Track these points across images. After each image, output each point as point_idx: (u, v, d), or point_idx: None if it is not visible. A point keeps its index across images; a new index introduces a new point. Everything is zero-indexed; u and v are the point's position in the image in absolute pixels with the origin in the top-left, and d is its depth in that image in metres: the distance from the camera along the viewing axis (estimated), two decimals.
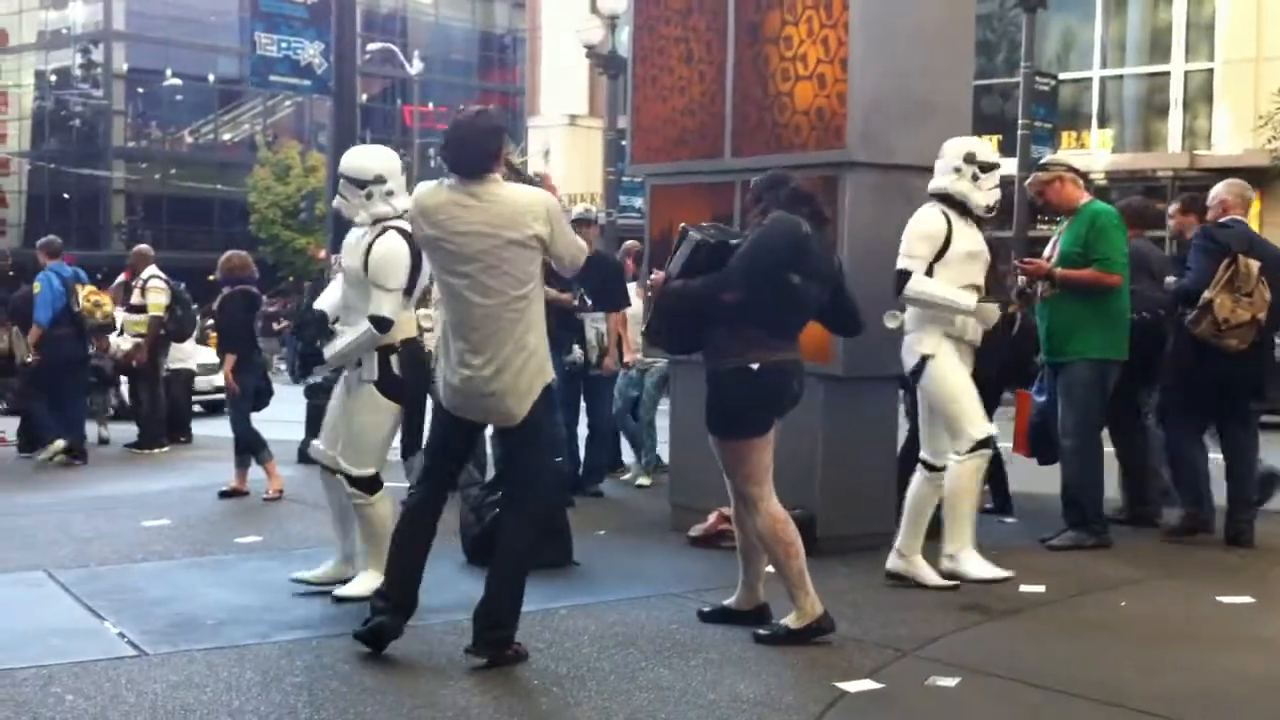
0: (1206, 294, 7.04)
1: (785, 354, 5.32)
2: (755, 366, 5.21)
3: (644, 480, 9.59)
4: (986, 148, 6.38)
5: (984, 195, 6.19)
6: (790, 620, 5.26)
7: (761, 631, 5.31)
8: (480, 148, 4.88)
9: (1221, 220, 7.44)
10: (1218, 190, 7.56)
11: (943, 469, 6.16)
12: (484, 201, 4.83)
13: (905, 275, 6.08)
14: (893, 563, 6.27)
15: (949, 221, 6.13)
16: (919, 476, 6.28)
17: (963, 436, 6.10)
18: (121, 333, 12.35)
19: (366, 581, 5.73)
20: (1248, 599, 6.06)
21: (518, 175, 5.40)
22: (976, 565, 6.22)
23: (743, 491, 5.32)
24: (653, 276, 5.64)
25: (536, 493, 5.09)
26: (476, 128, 4.92)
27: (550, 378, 5.03)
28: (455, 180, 4.91)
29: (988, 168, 6.20)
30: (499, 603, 4.93)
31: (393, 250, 5.63)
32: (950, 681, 4.75)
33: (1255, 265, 7.10)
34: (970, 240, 6.17)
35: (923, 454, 6.32)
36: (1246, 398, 7.47)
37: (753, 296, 5.18)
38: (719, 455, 5.37)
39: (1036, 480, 8.44)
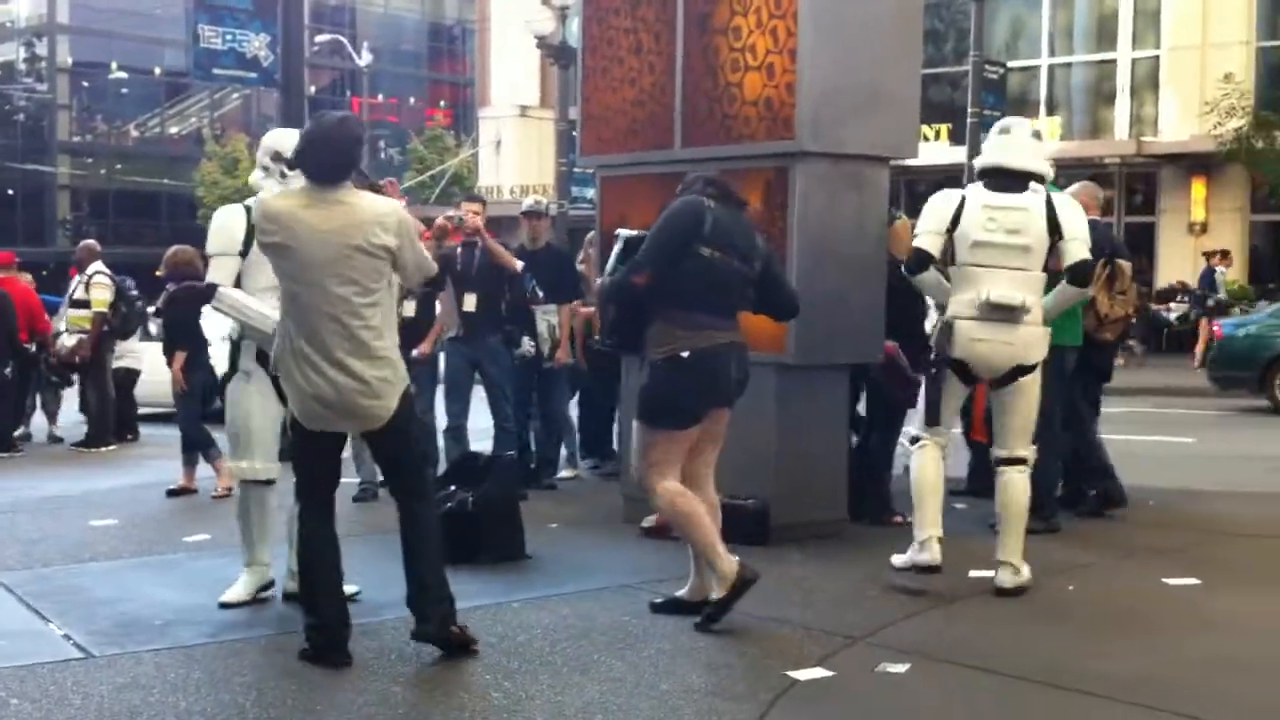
0: (1089, 291, 7.18)
1: (719, 338, 5.28)
2: (686, 354, 5.22)
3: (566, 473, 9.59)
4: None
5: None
6: (714, 594, 5.28)
7: (698, 620, 5.31)
8: (341, 155, 4.83)
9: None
10: (1074, 192, 7.63)
11: None
12: (335, 208, 4.78)
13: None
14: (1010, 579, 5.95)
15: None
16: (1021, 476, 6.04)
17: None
18: (65, 329, 12.21)
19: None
20: (1194, 581, 6.13)
21: (366, 181, 5.36)
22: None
23: (643, 477, 5.37)
24: (596, 283, 5.67)
25: (427, 479, 5.17)
26: (339, 135, 4.86)
27: (407, 382, 4.99)
28: (307, 185, 4.86)
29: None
30: (431, 582, 4.93)
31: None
32: (900, 668, 4.78)
33: (1128, 266, 7.67)
34: None
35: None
36: (1100, 384, 8.11)
37: (667, 276, 5.22)
38: (635, 435, 5.40)
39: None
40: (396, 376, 4.92)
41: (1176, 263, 25.71)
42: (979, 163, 6.14)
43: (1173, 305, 24.80)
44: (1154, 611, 5.67)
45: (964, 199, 5.94)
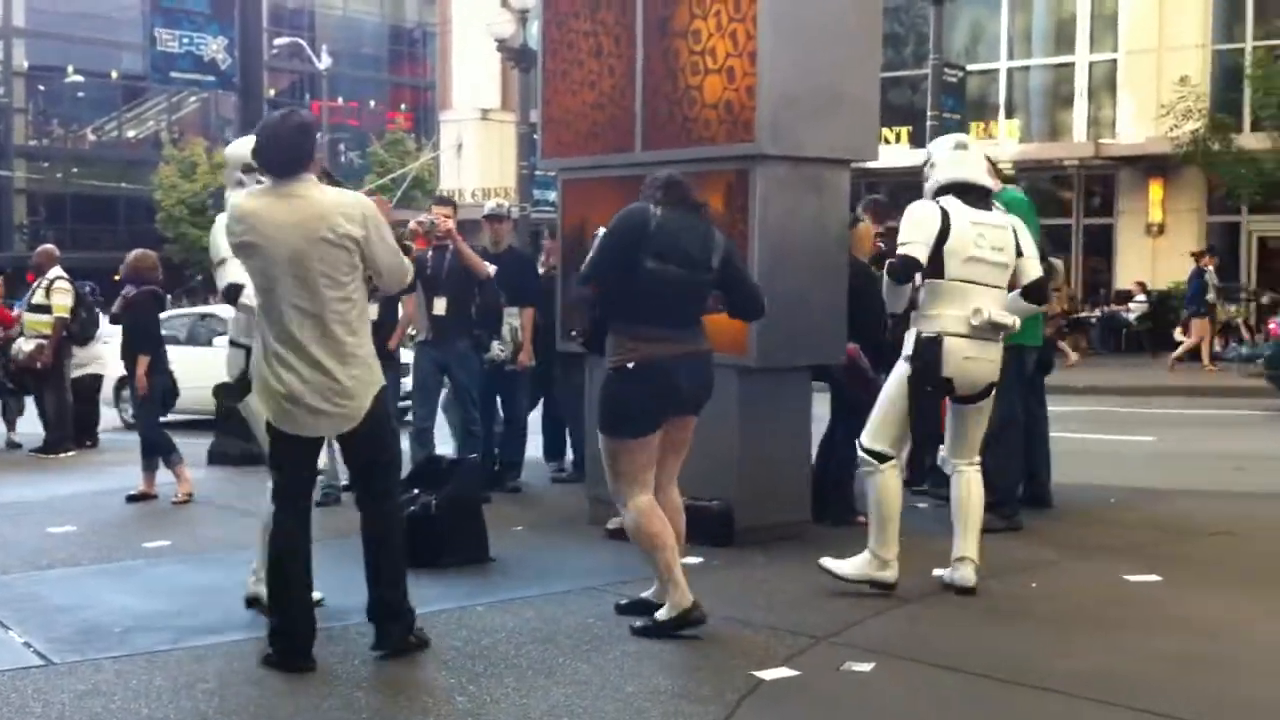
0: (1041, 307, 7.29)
1: (670, 348, 5.21)
2: (630, 365, 5.18)
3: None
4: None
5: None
6: (661, 613, 5.26)
7: (636, 624, 5.31)
8: (290, 145, 4.82)
9: None
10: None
11: None
12: (297, 202, 4.76)
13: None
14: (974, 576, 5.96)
15: None
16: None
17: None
18: (22, 334, 12.10)
19: None
20: (1155, 578, 6.19)
21: (331, 180, 5.32)
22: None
23: (614, 489, 5.33)
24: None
25: (394, 482, 5.12)
26: (286, 125, 4.87)
27: (382, 383, 4.97)
28: (269, 182, 4.87)
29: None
30: (390, 597, 4.94)
31: None
32: (865, 666, 4.80)
33: (1060, 264, 7.82)
34: None
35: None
36: (1043, 375, 8.14)
37: (613, 287, 5.22)
38: (601, 449, 5.37)
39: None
40: (370, 376, 4.89)
41: (1135, 263, 25.97)
42: (944, 177, 5.96)
43: (1131, 305, 25.06)
44: (1116, 609, 5.72)
45: (946, 212, 5.81)
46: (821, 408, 7.73)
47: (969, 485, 6.00)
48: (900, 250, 5.80)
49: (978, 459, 6.05)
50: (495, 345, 8.85)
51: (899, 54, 27.80)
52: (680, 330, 5.27)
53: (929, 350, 5.76)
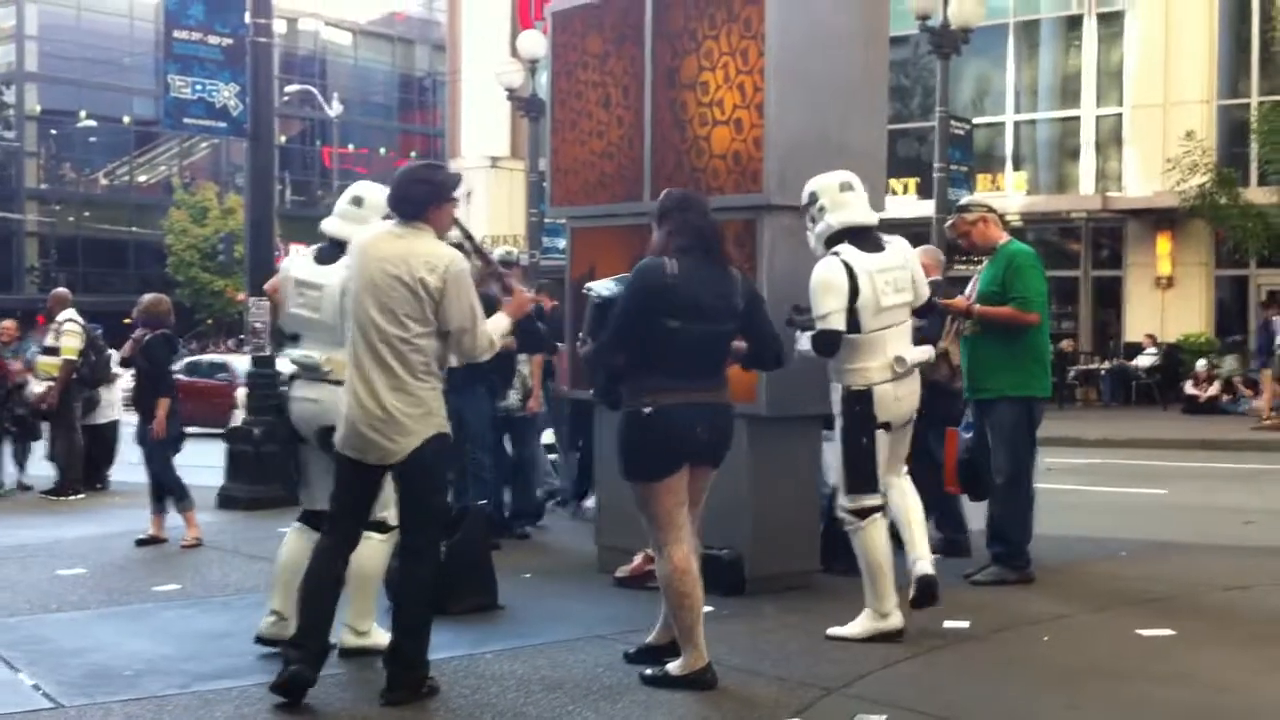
0: (941, 344, 7.55)
1: (686, 395, 5.18)
2: (647, 411, 5.16)
3: None
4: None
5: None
6: (674, 666, 5.23)
7: (647, 672, 5.30)
8: (405, 191, 5.11)
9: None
10: (918, 254, 7.72)
11: None
12: (397, 242, 5.00)
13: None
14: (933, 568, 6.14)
15: None
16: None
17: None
18: (33, 376, 12.15)
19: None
20: (1168, 632, 6.15)
21: (471, 243, 5.41)
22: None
23: (651, 534, 5.31)
24: (579, 345, 5.65)
25: (430, 536, 5.11)
26: (409, 176, 5.19)
27: (444, 429, 5.01)
28: (395, 221, 5.12)
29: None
30: (410, 644, 4.96)
31: None
32: (877, 719, 4.77)
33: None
34: None
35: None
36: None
37: (635, 349, 5.21)
38: (634, 496, 5.37)
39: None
40: (423, 418, 4.93)
41: (1143, 316, 25.98)
42: (836, 222, 5.98)
43: (1141, 357, 25.05)
44: (1128, 662, 5.68)
45: (851, 269, 5.86)
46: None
47: (904, 493, 6.13)
48: (820, 325, 5.87)
49: (905, 468, 6.20)
50: (511, 394, 8.90)
51: (906, 106, 27.97)
52: (700, 381, 5.25)
53: (861, 402, 5.93)
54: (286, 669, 4.92)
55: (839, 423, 6.03)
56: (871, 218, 6.09)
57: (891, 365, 5.91)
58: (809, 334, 5.98)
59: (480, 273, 5.41)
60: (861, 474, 5.99)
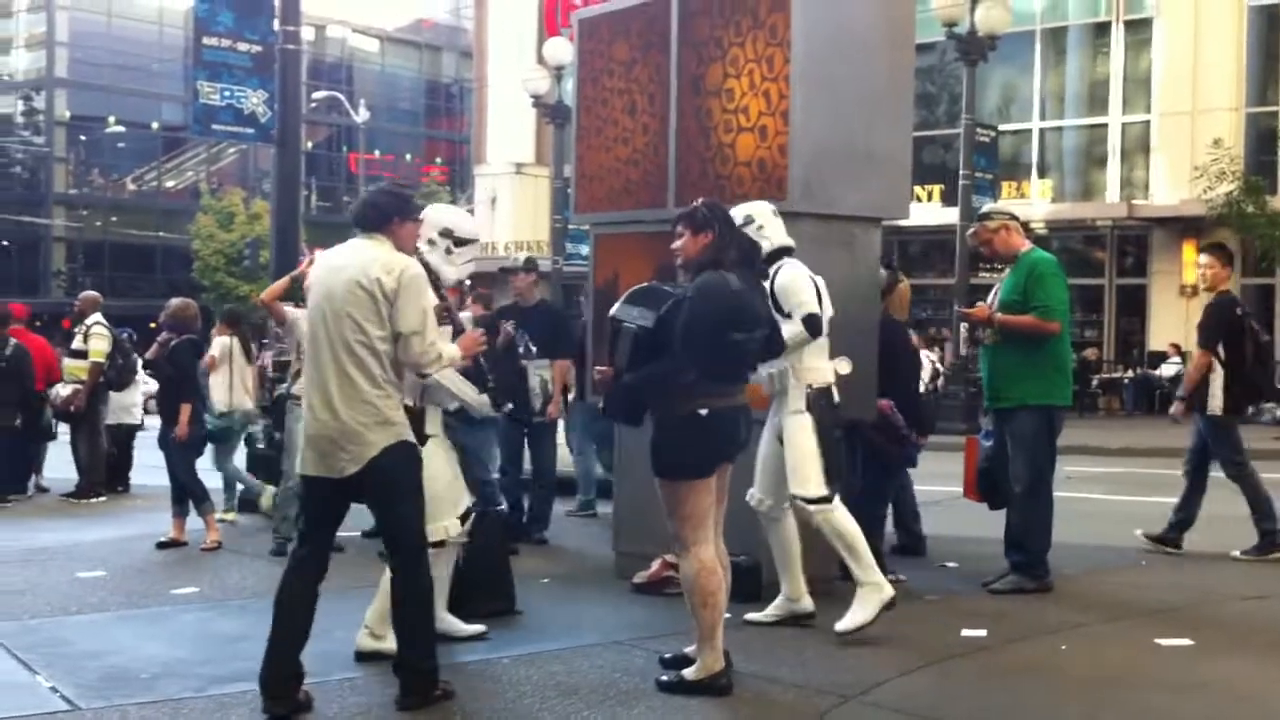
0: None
1: (732, 400, 5.36)
2: (704, 412, 5.23)
3: None
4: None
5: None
6: (690, 671, 5.24)
7: (662, 678, 5.30)
8: (373, 203, 5.15)
9: None
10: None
11: None
12: (359, 252, 5.02)
13: None
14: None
15: None
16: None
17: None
18: (62, 378, 12.23)
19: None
20: (1186, 641, 6.11)
21: (433, 277, 5.47)
22: None
23: (679, 534, 5.30)
24: (598, 373, 5.66)
25: (410, 540, 5.04)
26: (378, 189, 5.33)
27: (404, 437, 4.97)
28: (357, 236, 5.15)
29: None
30: (414, 653, 4.95)
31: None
32: None
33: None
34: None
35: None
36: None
37: (702, 362, 5.22)
38: (662, 497, 5.36)
39: (978, 525, 8.51)
40: (380, 428, 4.88)
41: (1169, 325, 25.84)
42: (779, 242, 6.31)
43: (1165, 366, 24.91)
44: (1146, 672, 5.65)
45: (811, 277, 6.27)
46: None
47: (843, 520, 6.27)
48: (805, 310, 6.18)
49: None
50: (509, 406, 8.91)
51: (932, 114, 27.90)
52: (739, 384, 5.43)
53: (826, 398, 6.23)
54: (269, 705, 4.84)
55: (801, 420, 6.19)
56: (789, 241, 6.38)
57: (836, 369, 6.31)
58: (798, 318, 6.16)
59: (436, 310, 5.36)
60: (834, 464, 6.20)
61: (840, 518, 6.16)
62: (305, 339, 5.12)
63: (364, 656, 5.61)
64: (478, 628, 6.10)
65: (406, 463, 5.00)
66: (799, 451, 6.18)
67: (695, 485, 5.28)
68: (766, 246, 6.25)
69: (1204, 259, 8.91)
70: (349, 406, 4.85)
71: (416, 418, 5.57)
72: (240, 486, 10.44)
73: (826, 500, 6.14)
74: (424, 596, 5.03)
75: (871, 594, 6.08)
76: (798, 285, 6.22)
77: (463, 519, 6.03)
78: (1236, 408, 8.56)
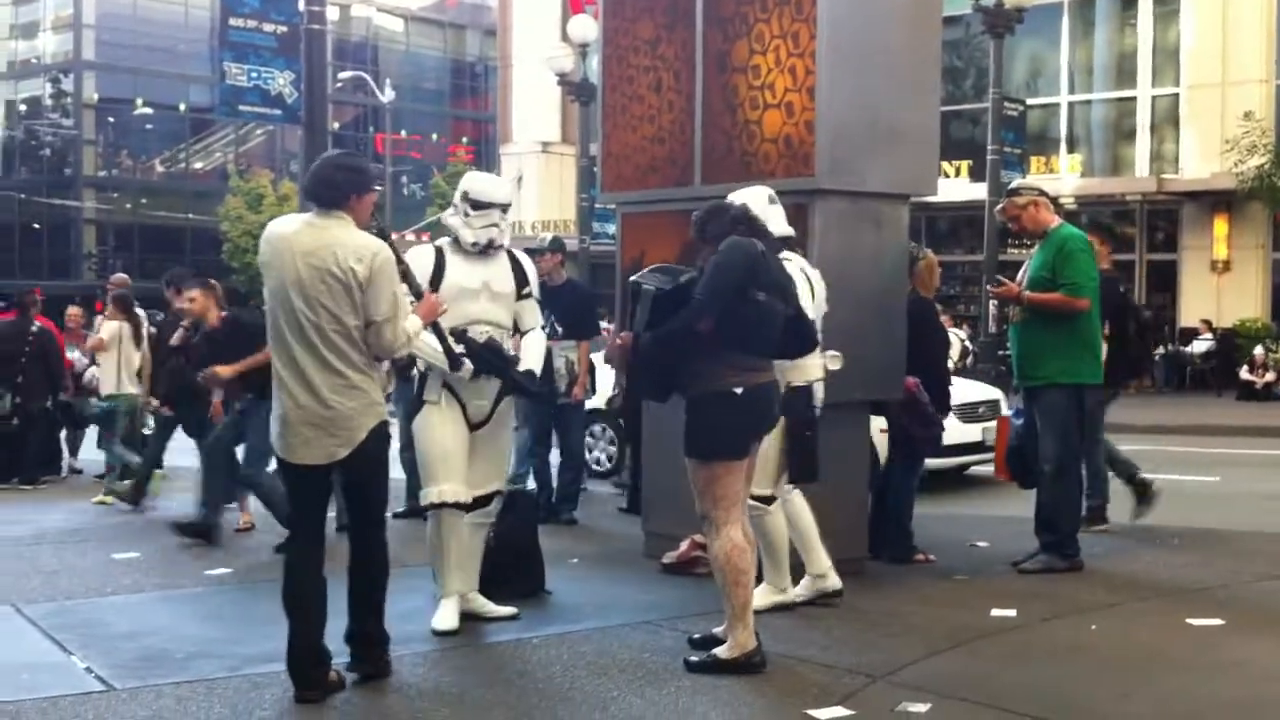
0: None
1: (764, 376, 5.35)
2: (739, 390, 5.22)
3: None
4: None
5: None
6: (722, 650, 5.25)
7: (692, 659, 5.31)
8: (329, 180, 4.96)
9: None
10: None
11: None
12: (322, 233, 4.87)
13: None
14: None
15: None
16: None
17: None
18: (95, 362, 12.31)
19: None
20: (1218, 621, 6.08)
21: (380, 232, 5.38)
22: None
23: (709, 514, 5.31)
24: (620, 338, 5.58)
25: (380, 521, 5.14)
26: (331, 162, 5.07)
27: (384, 417, 4.98)
28: (312, 211, 5.00)
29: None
30: (371, 628, 5.05)
31: None
32: (921, 707, 4.75)
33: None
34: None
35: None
36: None
37: (725, 319, 5.20)
38: (693, 478, 5.36)
39: (1009, 504, 8.49)
40: (366, 410, 4.88)
41: (1199, 300, 25.66)
42: (779, 231, 6.02)
43: (1196, 343, 24.74)
44: (1177, 651, 5.64)
45: (806, 275, 6.14)
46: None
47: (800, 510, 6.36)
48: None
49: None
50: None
51: (959, 88, 27.72)
52: (769, 360, 5.43)
53: (805, 398, 6.11)
54: (300, 692, 4.88)
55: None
56: (789, 230, 6.25)
57: (825, 365, 6.21)
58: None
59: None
60: (802, 464, 6.12)
61: (773, 521, 6.15)
62: (271, 322, 4.94)
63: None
64: (509, 610, 6.12)
65: (385, 442, 5.07)
66: (761, 451, 6.12)
67: (730, 466, 5.28)
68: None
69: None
70: (337, 394, 4.81)
71: (421, 380, 5.83)
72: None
73: (767, 501, 6.09)
74: (386, 571, 5.12)
75: (774, 593, 6.19)
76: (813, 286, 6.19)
77: (487, 500, 6.05)
78: (1114, 382, 8.53)
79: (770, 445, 5.90)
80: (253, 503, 9.20)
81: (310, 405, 4.83)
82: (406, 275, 5.33)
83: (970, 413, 11.08)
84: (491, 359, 5.90)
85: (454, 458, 5.93)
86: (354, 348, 4.83)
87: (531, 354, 6.27)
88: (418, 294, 5.37)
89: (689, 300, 5.20)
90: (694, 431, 5.31)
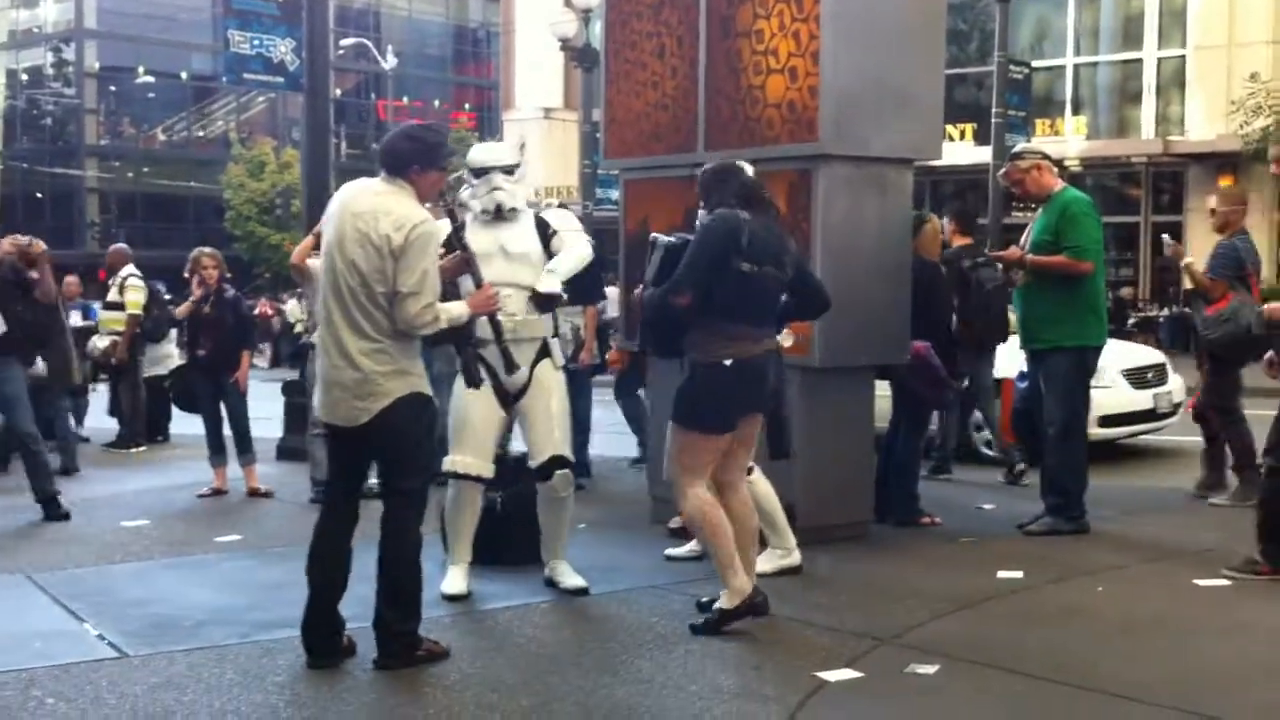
0: None
1: (760, 347, 5.35)
2: (728, 362, 5.25)
3: None
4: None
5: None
6: (723, 601, 5.31)
7: (695, 623, 5.35)
8: (395, 148, 4.97)
9: None
10: None
11: None
12: (375, 198, 4.87)
13: None
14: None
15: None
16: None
17: None
18: (98, 330, 12.35)
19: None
20: (1224, 583, 6.11)
21: (450, 214, 5.36)
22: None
23: (675, 478, 5.36)
24: (636, 291, 5.60)
25: (401, 499, 4.95)
26: (404, 132, 5.06)
27: (419, 388, 4.90)
28: (380, 176, 5.00)
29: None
30: (396, 609, 4.89)
31: None
32: (929, 669, 4.78)
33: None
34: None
35: None
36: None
37: (710, 293, 5.23)
38: (669, 439, 5.39)
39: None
40: (395, 376, 4.82)
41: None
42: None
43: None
44: (1183, 614, 5.66)
45: None
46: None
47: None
48: None
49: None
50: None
51: (964, 51, 27.56)
52: (765, 330, 5.42)
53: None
54: (312, 659, 4.89)
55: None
56: None
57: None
58: None
59: (457, 260, 5.32)
60: (781, 437, 6.02)
61: (759, 488, 6.15)
62: (320, 279, 5.02)
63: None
64: (580, 581, 6.05)
65: (418, 415, 4.92)
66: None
67: (707, 438, 5.32)
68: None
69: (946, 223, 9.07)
70: (367, 357, 4.79)
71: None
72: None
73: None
74: (412, 554, 4.93)
75: (780, 557, 6.26)
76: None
77: (548, 471, 6.03)
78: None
79: None
80: (261, 469, 9.25)
81: (341, 365, 4.83)
82: (470, 264, 5.33)
83: (1140, 378, 10.75)
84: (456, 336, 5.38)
85: (476, 430, 5.89)
86: (383, 314, 4.80)
87: (561, 260, 6.12)
88: (478, 284, 5.31)
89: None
90: (681, 397, 5.37)
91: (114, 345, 12.03)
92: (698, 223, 5.48)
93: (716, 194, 5.45)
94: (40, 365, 11.08)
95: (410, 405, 4.87)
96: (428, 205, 5.02)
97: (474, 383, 5.35)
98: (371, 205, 4.83)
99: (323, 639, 4.90)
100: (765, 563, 6.08)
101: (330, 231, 4.91)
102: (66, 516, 8.15)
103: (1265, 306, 6.33)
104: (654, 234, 5.61)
